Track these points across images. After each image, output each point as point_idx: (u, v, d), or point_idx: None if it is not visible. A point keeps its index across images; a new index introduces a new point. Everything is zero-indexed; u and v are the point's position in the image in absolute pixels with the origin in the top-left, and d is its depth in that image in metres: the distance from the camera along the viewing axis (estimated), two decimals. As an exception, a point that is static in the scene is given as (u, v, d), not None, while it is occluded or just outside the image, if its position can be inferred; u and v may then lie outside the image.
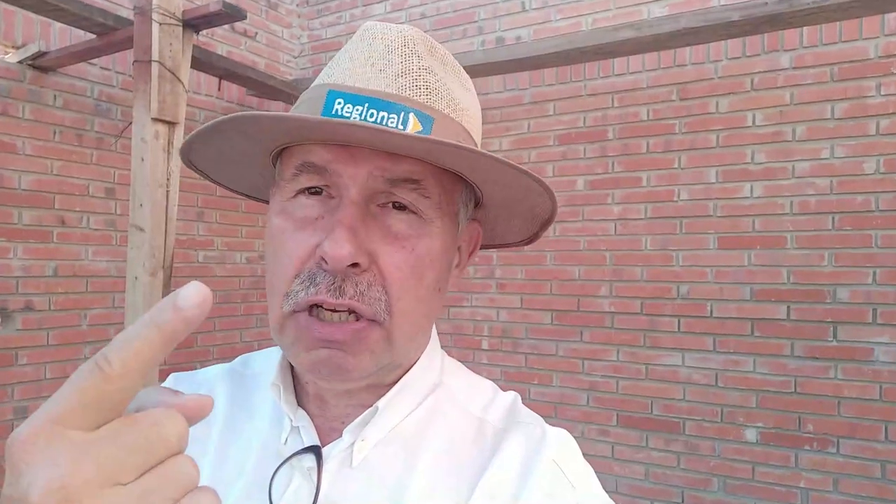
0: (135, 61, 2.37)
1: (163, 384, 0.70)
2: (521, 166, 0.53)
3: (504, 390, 0.68)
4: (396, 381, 0.61)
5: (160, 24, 2.33)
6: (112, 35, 2.69)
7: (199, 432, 0.63)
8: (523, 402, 0.66)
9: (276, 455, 0.59)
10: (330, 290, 0.52)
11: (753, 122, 3.09)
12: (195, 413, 0.33)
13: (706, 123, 3.19)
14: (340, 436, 0.59)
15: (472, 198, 0.62)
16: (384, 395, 0.60)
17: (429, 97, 0.55)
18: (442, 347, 0.69)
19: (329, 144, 0.54)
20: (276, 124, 0.53)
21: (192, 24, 2.45)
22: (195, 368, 0.74)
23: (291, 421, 0.60)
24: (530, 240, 0.71)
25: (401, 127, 0.53)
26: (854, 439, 2.86)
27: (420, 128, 0.53)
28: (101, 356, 0.29)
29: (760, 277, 3.05)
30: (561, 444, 0.60)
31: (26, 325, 3.02)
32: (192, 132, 0.57)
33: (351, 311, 0.53)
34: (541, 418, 0.64)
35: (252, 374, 0.70)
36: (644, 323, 3.30)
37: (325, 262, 0.52)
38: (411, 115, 0.53)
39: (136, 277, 2.32)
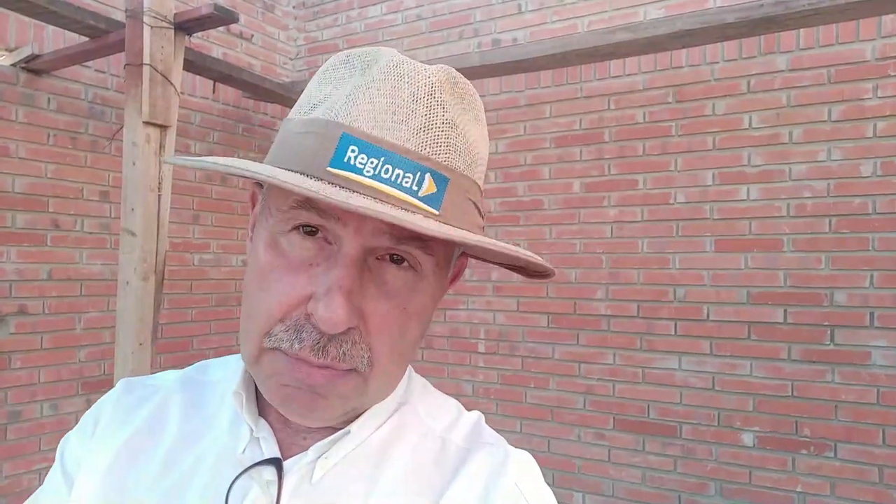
0: (126, 64, 2.35)
1: (111, 391, 0.68)
2: (536, 258, 0.53)
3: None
4: (363, 412, 0.60)
5: (152, 27, 2.31)
6: (105, 38, 2.68)
7: (148, 442, 0.62)
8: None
9: (233, 464, 0.58)
10: (314, 349, 0.51)
11: (750, 124, 3.08)
12: None
13: (702, 126, 3.17)
14: (301, 450, 0.58)
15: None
16: (349, 417, 0.59)
17: (448, 155, 0.52)
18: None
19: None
20: (284, 186, 0.47)
21: (184, 27, 2.44)
22: None
23: (252, 431, 0.59)
24: (509, 269, 0.70)
25: (415, 188, 0.50)
26: (851, 443, 2.84)
27: (434, 189, 0.51)
28: None
29: (757, 280, 3.04)
30: (523, 467, 0.60)
31: (20, 328, 3.01)
32: (190, 162, 0.54)
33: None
34: (504, 440, 0.64)
35: (209, 382, 0.68)
36: (640, 326, 3.29)
37: (318, 323, 0.50)
38: (427, 176, 0.50)
39: (127, 282, 2.31)
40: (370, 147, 0.50)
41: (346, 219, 0.51)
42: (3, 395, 2.95)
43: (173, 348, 3.61)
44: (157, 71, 2.30)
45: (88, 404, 3.22)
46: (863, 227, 2.86)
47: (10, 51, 2.95)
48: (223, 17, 2.38)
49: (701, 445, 3.14)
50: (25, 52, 2.90)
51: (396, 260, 0.53)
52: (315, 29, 4.38)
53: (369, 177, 0.49)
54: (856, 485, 2.83)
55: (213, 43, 3.83)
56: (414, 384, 0.67)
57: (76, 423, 0.67)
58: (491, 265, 0.69)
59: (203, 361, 0.72)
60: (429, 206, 0.50)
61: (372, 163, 0.49)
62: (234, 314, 3.98)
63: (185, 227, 3.70)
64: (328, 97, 0.54)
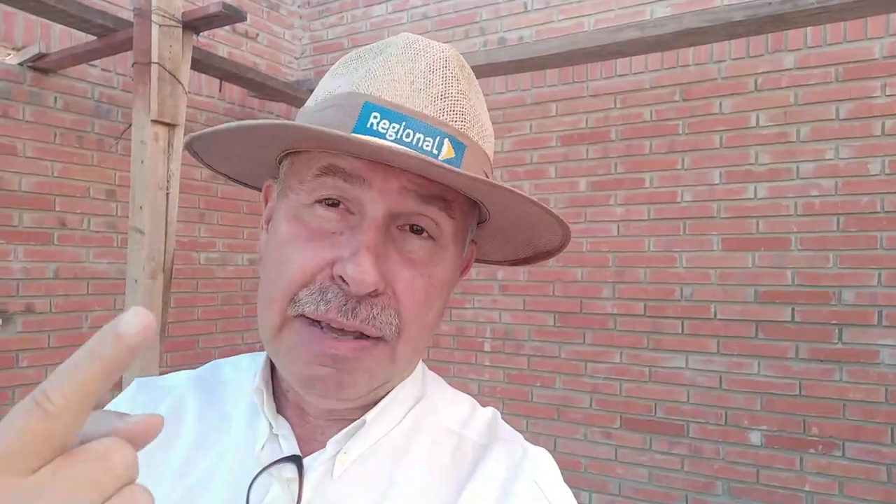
0: (134, 63, 2.35)
1: (126, 390, 0.68)
2: (549, 208, 0.52)
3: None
4: (381, 398, 0.60)
5: (160, 25, 2.31)
6: (112, 37, 2.68)
7: (165, 442, 0.61)
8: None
9: (252, 462, 0.57)
10: (342, 310, 0.50)
11: (757, 122, 3.07)
12: (144, 437, 0.31)
13: (710, 124, 3.16)
14: (321, 446, 0.58)
15: (478, 219, 0.62)
16: (367, 407, 0.58)
17: (464, 123, 0.55)
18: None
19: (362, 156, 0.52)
20: (312, 136, 0.50)
21: (192, 25, 2.44)
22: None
23: (272, 428, 0.58)
24: (513, 263, 0.71)
25: (435, 151, 0.52)
26: (860, 442, 2.84)
27: (452, 154, 0.53)
28: (40, 392, 0.27)
29: (765, 279, 3.03)
30: (541, 464, 0.60)
31: (27, 327, 3.02)
32: (214, 129, 0.53)
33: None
34: (520, 436, 0.64)
35: (223, 382, 0.67)
36: (647, 325, 3.28)
37: (346, 283, 0.50)
38: (446, 141, 0.52)
39: (135, 280, 2.31)
40: (391, 113, 0.51)
41: (371, 179, 0.51)
42: (10, 394, 2.95)
43: (179, 347, 3.61)
44: (165, 69, 2.30)
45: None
46: (871, 225, 2.85)
47: (18, 50, 2.96)
48: (231, 16, 2.38)
49: (708, 444, 3.13)
50: (32, 51, 2.90)
51: (417, 230, 0.54)
52: (320, 28, 4.38)
53: (392, 140, 0.50)
54: (864, 484, 2.82)
55: (218, 42, 3.83)
56: (428, 379, 0.67)
57: None
58: (494, 267, 0.70)
59: (215, 361, 0.72)
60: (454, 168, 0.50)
61: (394, 127, 0.51)
62: (240, 313, 3.98)
63: (192, 225, 3.70)
64: (345, 81, 0.56)
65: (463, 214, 0.56)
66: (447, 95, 0.54)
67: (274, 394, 0.61)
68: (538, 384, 3.54)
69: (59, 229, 3.13)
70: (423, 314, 0.54)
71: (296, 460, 0.56)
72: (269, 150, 0.59)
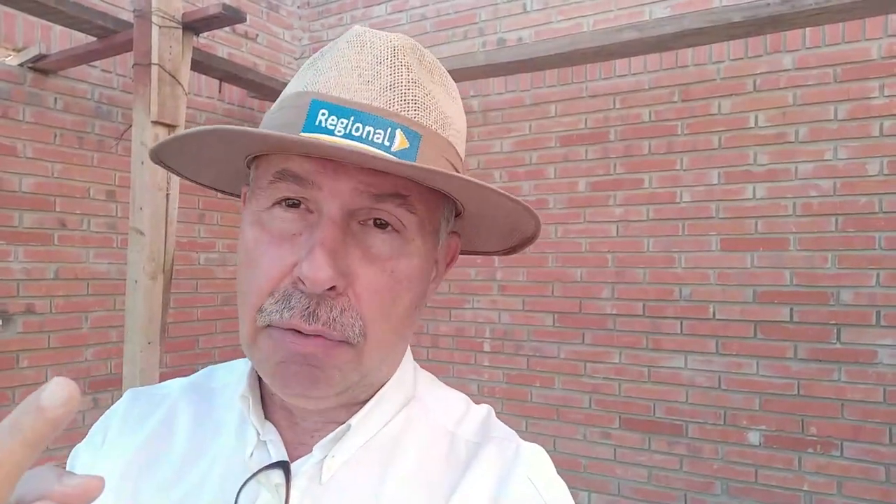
0: (134, 64, 2.36)
1: (120, 401, 0.68)
2: (508, 193, 0.52)
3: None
4: (369, 398, 0.60)
5: (160, 26, 2.32)
6: (112, 38, 2.68)
7: (159, 449, 0.62)
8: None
9: (241, 470, 0.58)
10: (304, 315, 0.50)
11: (756, 123, 3.08)
12: (80, 501, 0.30)
13: (708, 125, 3.17)
14: (310, 451, 0.57)
15: (453, 210, 0.61)
16: (355, 409, 0.59)
17: (417, 112, 0.54)
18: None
19: (310, 156, 0.52)
20: (255, 140, 0.51)
21: (192, 26, 2.44)
22: (195, 372, 0.73)
23: (259, 434, 0.58)
24: (507, 252, 0.70)
25: (387, 143, 0.51)
26: (858, 442, 2.84)
27: (407, 145, 0.52)
28: None
29: (763, 279, 3.04)
30: (535, 460, 0.59)
31: (27, 328, 3.02)
32: (167, 138, 0.55)
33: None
34: (514, 433, 0.63)
35: (217, 388, 0.67)
36: (646, 325, 3.29)
37: (303, 283, 0.50)
38: (398, 132, 0.51)
39: (136, 281, 2.32)
40: (339, 108, 0.51)
41: (321, 181, 0.51)
42: (10, 395, 2.96)
43: (179, 347, 3.62)
44: (165, 70, 2.31)
45: (96, 404, 3.24)
46: (869, 225, 2.86)
47: (18, 51, 2.96)
48: (231, 17, 2.38)
49: (707, 444, 3.14)
50: (33, 52, 2.91)
51: (380, 224, 0.53)
52: (320, 28, 4.39)
53: (341, 136, 0.50)
54: (862, 483, 2.83)
55: (218, 43, 3.83)
56: (421, 378, 0.66)
57: (83, 422, 0.66)
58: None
59: (210, 367, 0.72)
60: (403, 160, 0.49)
61: (342, 123, 0.50)
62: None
63: (191, 226, 3.71)
64: (299, 82, 0.57)
65: (427, 207, 0.55)
66: (396, 85, 0.53)
67: (263, 399, 0.61)
68: (537, 384, 3.55)
69: (60, 230, 3.14)
70: (386, 313, 0.53)
71: (283, 466, 0.56)
72: (233, 156, 0.59)
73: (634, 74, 3.35)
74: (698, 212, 3.18)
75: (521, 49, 3.15)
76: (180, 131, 0.56)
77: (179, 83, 2.36)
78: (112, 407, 0.67)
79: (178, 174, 0.67)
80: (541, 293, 3.57)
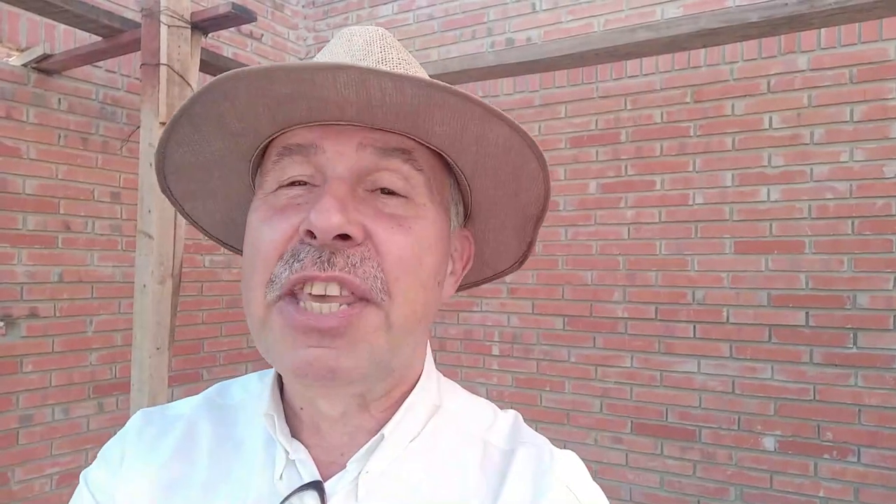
0: (142, 64, 2.31)
1: (130, 422, 0.65)
2: (512, 119, 0.51)
3: (505, 405, 0.66)
4: (392, 398, 0.57)
5: (168, 26, 2.27)
6: (118, 38, 2.64)
7: (181, 472, 0.59)
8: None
9: (271, 493, 0.55)
10: (316, 262, 0.47)
11: (770, 124, 3.04)
12: None
13: (721, 126, 3.13)
14: (341, 467, 0.55)
15: (461, 201, 0.60)
16: (383, 417, 0.56)
17: (407, 72, 0.54)
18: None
19: (314, 125, 0.50)
20: (256, 83, 0.47)
21: (201, 26, 2.40)
22: (201, 375, 0.69)
23: (287, 454, 0.55)
24: (523, 258, 0.67)
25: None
26: (875, 448, 2.80)
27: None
28: None
29: (778, 283, 3.00)
30: (571, 468, 0.58)
31: (31, 331, 2.97)
32: (164, 129, 0.54)
33: (343, 298, 0.48)
34: (545, 439, 0.62)
35: (233, 406, 0.64)
36: (659, 329, 3.25)
37: (312, 234, 0.47)
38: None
39: (144, 285, 2.27)
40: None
41: (324, 144, 0.50)
42: (14, 400, 2.91)
43: (184, 351, 3.57)
44: (174, 71, 2.26)
45: (100, 408, 3.19)
46: (886, 228, 2.82)
47: (22, 51, 2.91)
48: (241, 16, 2.34)
49: (721, 450, 3.10)
50: (37, 51, 2.86)
51: (388, 192, 0.51)
52: (325, 28, 4.34)
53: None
54: (880, 490, 2.79)
55: (223, 43, 3.79)
56: (444, 386, 0.64)
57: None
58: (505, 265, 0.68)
59: (221, 383, 0.68)
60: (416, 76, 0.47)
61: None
62: (244, 317, 3.94)
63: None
64: None
65: (433, 169, 0.54)
66: (388, 60, 0.53)
67: (287, 417, 0.58)
68: (547, 388, 3.51)
69: (64, 232, 3.09)
70: (411, 269, 0.50)
71: (317, 486, 0.53)
72: (235, 168, 0.58)
73: (646, 75, 3.31)
74: (711, 214, 3.14)
75: (533, 49, 3.11)
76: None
77: (188, 83, 2.32)
78: (124, 428, 0.65)
79: (185, 215, 0.66)
80: (550, 296, 3.53)
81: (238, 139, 0.54)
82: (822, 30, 2.89)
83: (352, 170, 0.49)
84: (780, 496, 2.97)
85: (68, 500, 0.62)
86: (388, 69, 0.49)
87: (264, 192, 0.53)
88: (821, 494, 2.89)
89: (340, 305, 0.47)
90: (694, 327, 3.17)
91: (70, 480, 3.03)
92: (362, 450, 0.54)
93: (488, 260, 0.68)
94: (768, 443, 3.00)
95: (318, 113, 0.49)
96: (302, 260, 0.47)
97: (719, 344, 3.11)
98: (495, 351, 3.67)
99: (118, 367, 3.28)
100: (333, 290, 0.47)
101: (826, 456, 2.89)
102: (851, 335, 2.86)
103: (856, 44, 2.88)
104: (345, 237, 0.47)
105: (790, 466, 2.96)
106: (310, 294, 0.47)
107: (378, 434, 0.54)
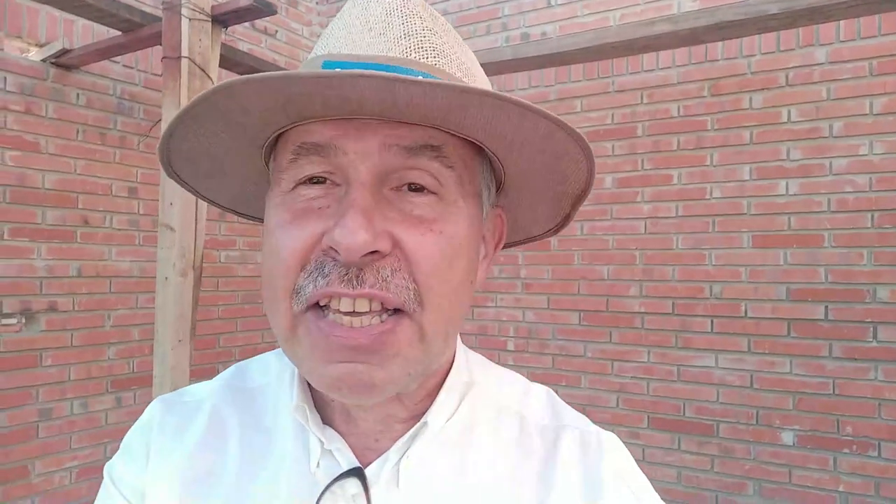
0: (164, 58, 2.32)
1: (149, 412, 0.63)
2: (553, 115, 0.45)
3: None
4: (426, 387, 0.55)
5: (190, 19, 2.28)
6: (137, 32, 2.65)
7: (212, 463, 0.57)
8: None
9: (309, 483, 0.53)
10: (343, 280, 0.44)
11: (789, 118, 3.02)
12: None
13: (739, 120, 3.12)
14: (375, 453, 0.54)
15: (493, 179, 0.56)
16: (418, 403, 0.55)
17: (437, 59, 0.49)
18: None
19: (329, 119, 0.46)
20: (261, 90, 0.43)
21: (221, 19, 2.41)
22: (217, 370, 0.68)
23: (323, 444, 0.54)
24: (559, 227, 0.63)
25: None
26: (896, 442, 2.79)
27: None
28: None
29: (797, 277, 2.98)
30: (620, 455, 0.58)
31: (50, 325, 2.99)
32: (166, 128, 0.50)
33: (374, 312, 0.46)
34: (586, 418, 0.62)
35: (255, 389, 0.62)
36: (676, 323, 3.24)
37: (337, 252, 0.44)
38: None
39: (166, 278, 2.28)
40: (353, 65, 0.46)
41: (345, 144, 0.46)
42: (34, 393, 2.92)
43: (200, 345, 3.57)
44: (195, 64, 2.27)
45: (118, 402, 3.20)
46: (906, 221, 2.80)
47: (41, 46, 2.93)
48: (261, 10, 2.35)
49: (739, 444, 3.08)
50: (56, 46, 2.87)
51: (416, 189, 0.47)
52: (339, 24, 4.34)
53: None
54: (901, 484, 2.77)
55: (237, 38, 3.79)
56: (472, 358, 0.63)
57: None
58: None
59: (238, 365, 0.66)
60: (441, 81, 0.43)
61: None
62: (260, 312, 3.95)
63: (212, 224, 3.67)
64: (313, 51, 0.53)
65: (464, 162, 0.49)
66: (411, 34, 0.49)
67: (316, 404, 0.56)
68: (563, 383, 3.50)
69: (82, 227, 3.10)
70: (443, 275, 0.47)
71: (358, 473, 0.52)
72: (246, 158, 0.54)
73: (663, 69, 3.30)
74: (729, 208, 3.13)
75: (551, 43, 3.10)
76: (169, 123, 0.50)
77: (209, 77, 2.32)
78: (144, 419, 0.62)
79: (196, 192, 0.62)
80: (566, 291, 3.52)
81: (246, 131, 0.51)
82: (842, 22, 2.87)
83: (375, 172, 0.46)
84: (800, 491, 2.96)
85: (87, 494, 0.60)
86: (417, 57, 0.47)
87: (281, 190, 0.50)
88: (840, 489, 2.88)
89: (372, 318, 0.46)
90: (711, 322, 3.16)
91: (89, 474, 3.04)
92: (405, 437, 0.53)
93: (521, 226, 0.65)
94: (787, 437, 2.99)
95: (336, 109, 0.45)
96: (328, 276, 0.45)
97: (737, 338, 3.10)
98: (510, 346, 3.67)
99: (136, 361, 3.29)
100: (363, 305, 0.45)
101: (846, 450, 2.88)
102: (871, 329, 2.85)
103: (876, 36, 2.87)
104: (373, 252, 0.44)
105: (809, 461, 2.94)
106: (338, 310, 0.46)
107: (421, 422, 0.54)
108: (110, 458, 0.63)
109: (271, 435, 0.57)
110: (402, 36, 0.48)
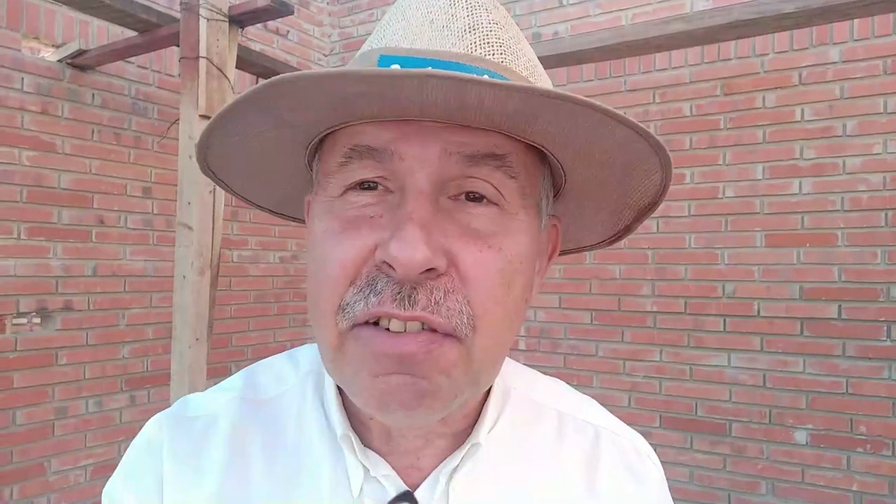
0: (182, 58, 2.34)
1: (152, 432, 0.56)
2: (636, 122, 0.41)
3: None
4: (469, 405, 0.53)
5: (207, 20, 2.30)
6: (154, 32, 2.66)
7: (238, 492, 0.52)
8: None
9: None
10: (396, 299, 0.41)
11: (802, 117, 3.02)
12: None
13: (752, 119, 3.12)
14: (418, 471, 0.52)
15: (552, 186, 0.52)
16: (460, 419, 0.53)
17: (504, 56, 0.45)
18: None
19: (385, 121, 0.43)
20: (317, 88, 0.40)
21: (239, 19, 2.42)
22: (229, 369, 0.65)
23: (368, 471, 0.51)
24: (616, 238, 0.59)
25: None
26: (910, 442, 2.79)
27: None
28: None
29: (810, 276, 2.98)
30: (656, 463, 0.61)
31: (66, 324, 3.01)
32: (209, 122, 0.46)
33: (425, 332, 0.43)
34: (612, 416, 0.63)
35: (271, 401, 0.57)
36: (688, 323, 3.24)
37: (392, 268, 0.41)
38: (485, 78, 0.42)
39: (184, 276, 2.29)
40: (413, 60, 0.43)
41: (403, 149, 0.43)
42: (50, 392, 2.94)
43: (213, 344, 3.58)
44: (213, 64, 2.28)
45: (132, 401, 3.22)
46: (921, 220, 2.80)
47: (57, 46, 2.95)
48: (279, 10, 2.36)
49: (752, 444, 3.08)
50: (72, 47, 2.89)
51: (475, 198, 0.44)
52: (350, 24, 4.36)
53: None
54: (916, 484, 2.77)
55: (250, 39, 3.81)
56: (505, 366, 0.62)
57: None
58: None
59: (246, 374, 0.60)
60: (520, 85, 0.39)
61: None
62: (272, 311, 3.97)
63: (225, 223, 3.65)
64: (364, 48, 0.50)
65: (527, 171, 0.46)
66: (477, 27, 0.45)
67: (351, 421, 0.53)
68: (575, 383, 3.50)
69: (98, 227, 3.12)
70: (499, 299, 0.44)
71: (409, 498, 0.51)
72: (289, 156, 0.51)
73: (675, 68, 3.30)
74: (742, 207, 3.13)
75: (565, 42, 3.11)
76: (212, 121, 0.46)
77: (226, 77, 2.34)
78: (148, 439, 0.56)
79: (233, 192, 0.59)
80: (578, 290, 3.52)
81: (293, 129, 0.47)
82: (856, 21, 2.87)
83: (434, 179, 0.43)
84: (813, 490, 2.95)
85: (101, 491, 0.56)
86: (483, 54, 0.44)
87: (328, 195, 0.46)
88: (854, 488, 2.88)
89: (423, 327, 0.43)
90: (724, 321, 3.16)
91: (104, 472, 3.06)
92: (453, 456, 0.52)
93: (572, 235, 0.61)
94: (800, 436, 2.99)
95: (399, 111, 0.41)
96: (380, 293, 0.42)
97: (750, 337, 3.10)
98: (522, 346, 3.68)
99: (149, 360, 3.31)
100: (414, 327, 0.43)
101: (859, 449, 2.88)
102: (885, 328, 2.84)
103: (890, 34, 2.86)
104: (429, 269, 0.41)
105: (823, 460, 2.94)
106: (387, 329, 0.43)
107: (471, 443, 0.52)
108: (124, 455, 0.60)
109: (299, 457, 0.53)
110: (468, 29, 0.45)
